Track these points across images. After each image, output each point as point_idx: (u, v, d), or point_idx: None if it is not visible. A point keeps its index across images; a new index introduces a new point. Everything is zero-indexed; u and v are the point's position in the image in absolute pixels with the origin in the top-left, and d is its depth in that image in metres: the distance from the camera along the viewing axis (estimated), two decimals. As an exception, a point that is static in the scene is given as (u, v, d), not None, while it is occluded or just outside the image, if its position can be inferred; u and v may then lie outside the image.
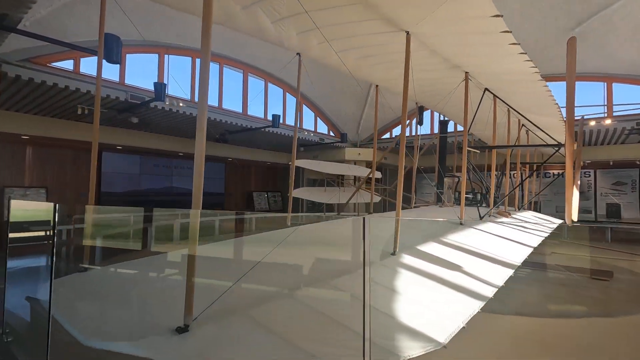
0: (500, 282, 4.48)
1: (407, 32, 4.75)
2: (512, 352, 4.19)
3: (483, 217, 7.42)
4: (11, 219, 3.54)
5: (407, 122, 17.93)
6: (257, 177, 20.47)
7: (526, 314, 5.44)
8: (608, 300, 6.62)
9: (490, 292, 4.12)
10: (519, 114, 8.77)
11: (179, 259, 4.31)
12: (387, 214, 10.14)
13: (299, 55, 6.53)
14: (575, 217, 6.17)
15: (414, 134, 16.47)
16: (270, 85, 15.68)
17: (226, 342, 2.64)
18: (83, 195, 12.98)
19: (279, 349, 2.70)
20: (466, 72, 6.54)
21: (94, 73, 10.05)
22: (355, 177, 16.78)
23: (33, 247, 7.92)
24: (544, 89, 6.72)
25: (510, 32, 4.17)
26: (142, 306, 3.28)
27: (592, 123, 12.22)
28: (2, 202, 10.67)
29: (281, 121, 13.71)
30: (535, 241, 6.44)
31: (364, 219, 2.60)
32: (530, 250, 5.83)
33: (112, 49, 7.33)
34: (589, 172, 16.26)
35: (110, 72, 10.38)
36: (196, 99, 12.69)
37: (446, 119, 12.24)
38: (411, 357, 2.70)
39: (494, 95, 7.75)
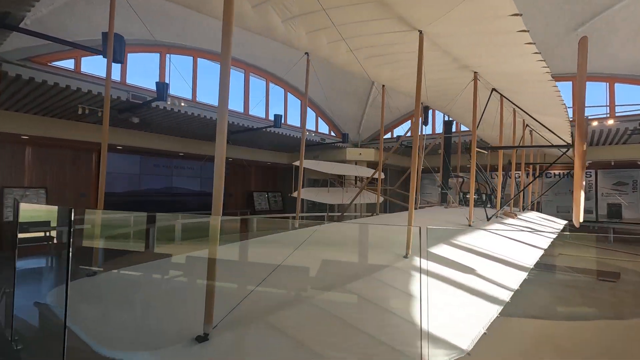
0: (515, 285, 4.41)
1: (420, 32, 4.68)
2: (535, 357, 4.13)
3: (490, 218, 7.37)
4: (20, 220, 3.44)
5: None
6: (258, 177, 20.36)
7: (538, 317, 5.39)
8: (617, 302, 6.58)
9: (506, 295, 4.06)
10: (526, 113, 8.72)
11: (192, 262, 4.22)
12: (396, 215, 10.04)
13: (307, 55, 6.45)
14: (581, 219, 6.14)
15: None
16: (270, 84, 15.59)
17: (248, 351, 2.55)
18: (83, 196, 12.84)
19: (301, 357, 2.63)
20: (475, 72, 6.49)
21: (94, 72, 9.95)
22: (356, 177, 16.73)
23: (37, 248, 7.81)
24: (553, 89, 6.67)
25: (528, 31, 4.11)
26: (155, 312, 3.18)
27: (595, 123, 12.22)
28: (2, 202, 10.52)
29: (282, 121, 13.62)
30: (545, 243, 6.39)
31: (420, 228, 2.53)
32: (541, 252, 5.77)
33: (115, 48, 7.21)
34: (590, 172, 16.27)
35: (112, 71, 10.24)
36: (197, 99, 12.60)
37: (450, 119, 12.19)
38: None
39: (501, 95, 7.70)
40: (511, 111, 9.09)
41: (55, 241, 8.52)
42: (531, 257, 5.47)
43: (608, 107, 13.72)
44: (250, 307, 3.09)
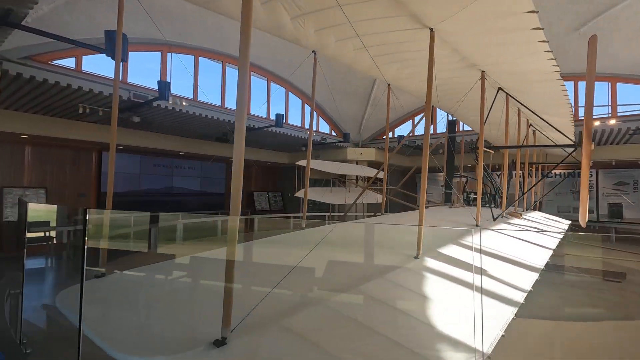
0: (528, 286, 4.37)
1: (431, 29, 4.62)
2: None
3: (497, 218, 7.33)
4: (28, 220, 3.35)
5: (415, 122, 17.88)
6: (258, 177, 20.27)
7: (548, 318, 5.34)
8: (625, 302, 6.55)
9: (520, 297, 4.02)
10: (532, 112, 8.67)
11: (199, 263, 4.15)
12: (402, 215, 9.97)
13: (314, 53, 6.38)
14: (586, 219, 6.09)
15: (417, 133, 16.47)
16: (270, 84, 15.50)
17: (266, 354, 2.49)
18: (82, 196, 12.73)
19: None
20: (482, 71, 6.44)
21: (96, 71, 9.83)
22: (357, 177, 16.68)
23: (38, 248, 7.68)
24: (561, 89, 6.64)
25: (542, 28, 4.05)
26: (168, 314, 3.11)
27: (597, 123, 12.21)
28: (2, 202, 10.40)
29: (284, 120, 13.53)
30: (553, 243, 6.35)
31: (472, 230, 2.46)
32: (550, 252, 5.73)
33: (118, 47, 7.12)
34: (591, 172, 16.28)
35: (113, 70, 10.14)
36: (199, 98, 12.49)
37: (454, 118, 12.14)
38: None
39: (507, 94, 7.65)
40: (515, 111, 9.05)
41: (55, 241, 8.41)
42: (541, 258, 5.44)
43: (610, 107, 13.71)
44: (264, 309, 3.03)
